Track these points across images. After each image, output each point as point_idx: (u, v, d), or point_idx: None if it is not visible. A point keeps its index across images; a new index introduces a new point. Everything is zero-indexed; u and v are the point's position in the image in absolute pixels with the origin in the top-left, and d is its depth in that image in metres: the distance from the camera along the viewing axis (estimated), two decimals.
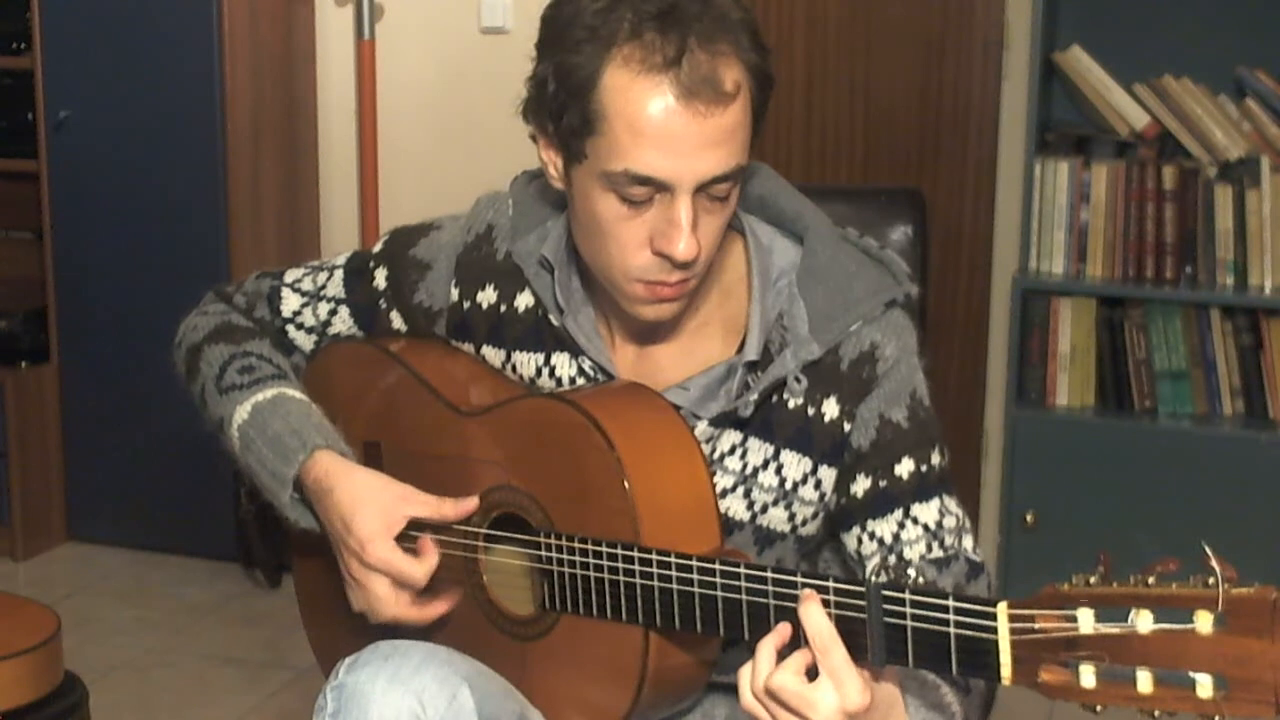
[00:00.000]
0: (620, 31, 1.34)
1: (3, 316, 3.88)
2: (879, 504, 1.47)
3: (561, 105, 1.38)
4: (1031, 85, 3.34)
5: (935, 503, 1.48)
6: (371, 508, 1.50)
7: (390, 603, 1.50)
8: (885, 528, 1.47)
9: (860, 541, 1.49)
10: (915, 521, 1.47)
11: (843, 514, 1.50)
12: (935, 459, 1.48)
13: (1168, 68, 3.34)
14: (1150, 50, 3.38)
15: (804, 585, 1.27)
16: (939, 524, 1.47)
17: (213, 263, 3.66)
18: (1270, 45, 3.32)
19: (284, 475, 1.54)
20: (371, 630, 1.53)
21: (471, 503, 1.51)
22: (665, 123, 1.33)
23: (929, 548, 1.46)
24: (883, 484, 1.47)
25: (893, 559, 1.45)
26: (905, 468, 1.47)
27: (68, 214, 3.79)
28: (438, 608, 1.52)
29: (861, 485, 1.47)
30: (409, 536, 1.51)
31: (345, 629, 1.62)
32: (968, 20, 3.58)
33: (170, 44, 3.64)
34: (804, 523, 1.50)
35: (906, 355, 1.48)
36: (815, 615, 1.24)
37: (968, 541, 1.49)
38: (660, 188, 1.36)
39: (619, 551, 1.39)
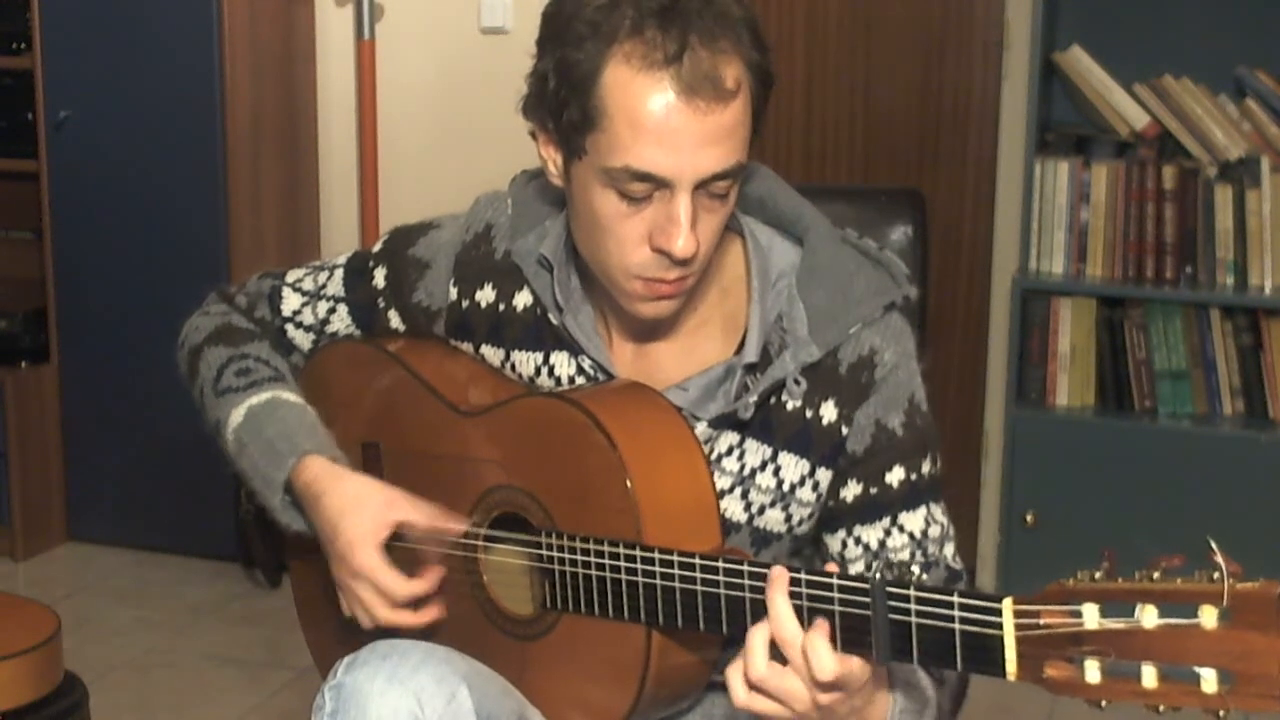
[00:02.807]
0: (622, 28, 1.33)
1: (3, 316, 3.88)
2: (867, 511, 1.48)
3: (562, 101, 1.38)
4: (1031, 85, 3.33)
5: (922, 511, 1.48)
6: (359, 513, 1.50)
7: (377, 607, 1.50)
8: (872, 534, 1.48)
9: (845, 545, 1.50)
10: (901, 530, 1.48)
11: (830, 517, 1.50)
12: (927, 468, 1.49)
13: (1168, 68, 3.34)
14: (1150, 50, 3.38)
15: (808, 582, 1.27)
16: (924, 533, 1.48)
17: (213, 263, 3.66)
18: (1270, 45, 3.32)
19: (274, 480, 1.55)
20: (367, 632, 1.52)
21: (460, 518, 1.51)
22: (666, 119, 1.33)
23: (912, 555, 1.47)
24: (873, 491, 1.47)
25: (877, 563, 1.45)
26: (896, 476, 1.47)
27: (68, 214, 3.79)
28: (428, 614, 1.51)
29: (852, 490, 1.48)
30: (399, 542, 1.51)
31: (341, 631, 1.61)
32: (968, 20, 3.57)
33: (170, 44, 3.64)
34: (800, 524, 1.50)
35: (905, 360, 1.48)
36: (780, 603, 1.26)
37: (949, 549, 1.50)
38: (660, 184, 1.36)
39: (620, 550, 1.38)
